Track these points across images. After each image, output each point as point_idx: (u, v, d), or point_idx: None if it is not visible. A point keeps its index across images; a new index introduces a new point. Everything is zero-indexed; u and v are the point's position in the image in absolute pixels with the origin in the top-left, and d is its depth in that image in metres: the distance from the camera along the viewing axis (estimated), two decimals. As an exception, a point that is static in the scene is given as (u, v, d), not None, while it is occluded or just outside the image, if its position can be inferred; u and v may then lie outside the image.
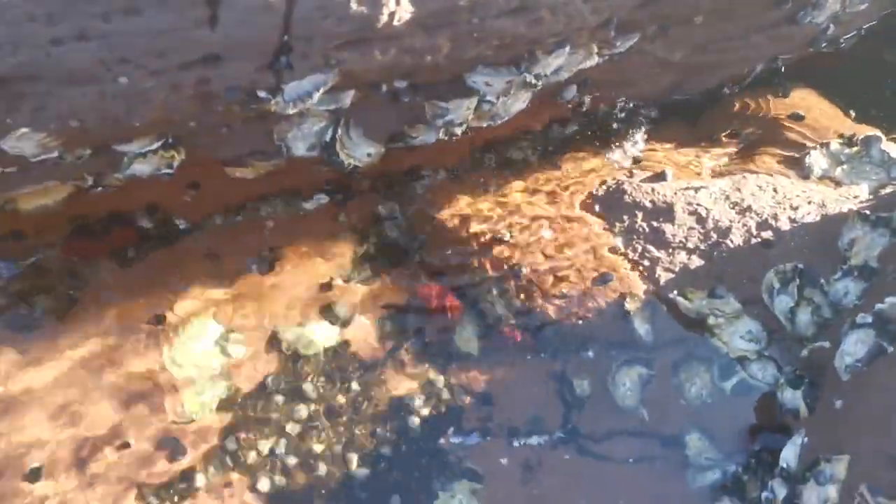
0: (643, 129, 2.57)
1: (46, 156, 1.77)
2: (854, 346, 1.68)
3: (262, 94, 1.75)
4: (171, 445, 1.94)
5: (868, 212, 2.00)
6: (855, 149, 2.36)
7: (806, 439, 1.70)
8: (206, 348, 2.07)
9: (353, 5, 1.60)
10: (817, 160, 2.34)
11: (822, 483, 1.53)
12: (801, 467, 1.65)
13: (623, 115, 2.56)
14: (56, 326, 2.03)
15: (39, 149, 1.74)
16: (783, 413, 1.87)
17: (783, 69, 2.60)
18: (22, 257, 2.11)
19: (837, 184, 2.29)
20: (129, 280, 2.14)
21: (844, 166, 2.32)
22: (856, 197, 2.20)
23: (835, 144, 2.38)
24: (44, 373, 1.97)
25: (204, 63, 1.64)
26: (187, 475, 1.89)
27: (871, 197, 2.20)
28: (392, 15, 1.64)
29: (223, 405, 1.99)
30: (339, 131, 2.05)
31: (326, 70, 1.75)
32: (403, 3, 1.64)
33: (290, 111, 1.83)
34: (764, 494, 1.72)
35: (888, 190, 2.18)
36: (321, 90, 1.78)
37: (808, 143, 2.43)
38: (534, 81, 2.03)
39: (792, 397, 1.84)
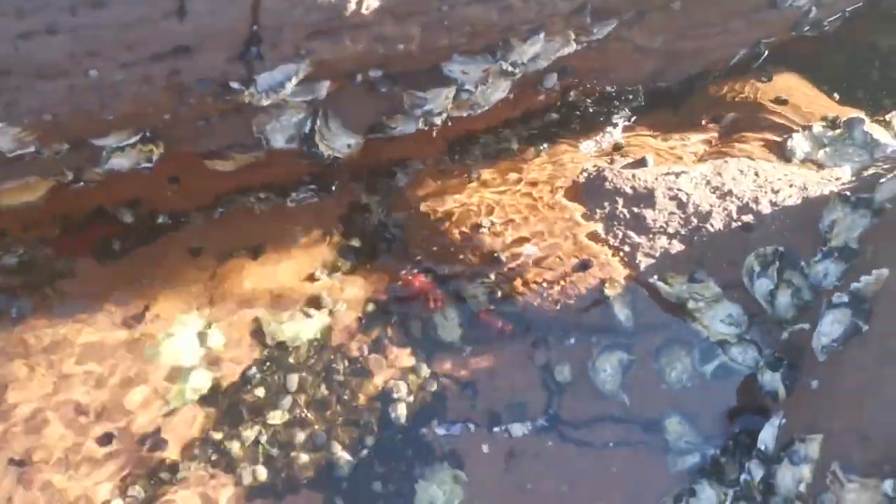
0: (625, 115, 2.56)
1: (23, 150, 1.78)
2: (830, 327, 1.68)
3: (234, 85, 1.76)
4: (154, 437, 1.95)
5: (849, 193, 1.98)
6: (838, 131, 2.34)
7: (783, 420, 1.70)
8: (189, 341, 2.09)
9: (322, -6, 1.60)
10: (799, 143, 2.32)
11: (796, 463, 1.53)
12: (777, 448, 1.65)
13: (605, 102, 2.55)
14: (40, 321, 2.05)
15: (16, 143, 1.75)
16: (763, 396, 1.87)
17: (766, 53, 2.58)
18: (5, 253, 2.13)
19: (820, 166, 2.27)
20: (113, 274, 2.16)
21: (827, 149, 2.30)
22: (838, 179, 2.18)
23: (817, 127, 2.36)
24: (28, 366, 1.99)
25: (174, 55, 1.65)
26: (170, 467, 1.91)
27: (853, 179, 2.18)
28: (360, 3, 1.64)
29: (206, 397, 2.01)
30: (318, 122, 2.06)
31: (298, 60, 1.75)
32: (372, -10, 1.65)
33: (265, 102, 1.83)
34: (742, 476, 1.72)
35: (870, 171, 2.16)
36: (293, 80, 1.79)
37: (792, 127, 2.42)
38: (510, 69, 2.03)
39: (771, 379, 1.84)
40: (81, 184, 2.05)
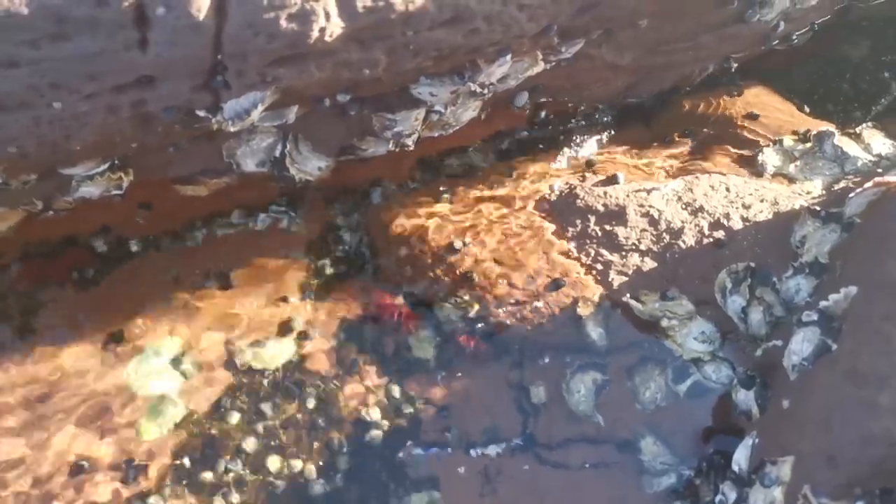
0: (596, 132, 2.57)
1: (-10, 183, 1.78)
2: (800, 345, 1.67)
3: (201, 113, 1.76)
4: (127, 466, 1.93)
5: (819, 208, 1.99)
6: (808, 145, 2.35)
7: (757, 441, 1.68)
8: (162, 368, 2.07)
9: (283, 22, 1.61)
10: (770, 157, 2.33)
11: (768, 485, 1.51)
12: (750, 470, 1.64)
13: (576, 119, 2.56)
14: (13, 351, 2.04)
15: (-18, 176, 1.75)
16: (737, 414, 1.85)
17: (735, 68, 2.59)
18: (-23, 283, 2.13)
19: (791, 180, 2.27)
20: (85, 302, 2.14)
21: (798, 163, 2.31)
22: (808, 193, 2.19)
23: (788, 141, 2.37)
24: (2, 397, 1.97)
25: (138, 85, 1.65)
26: (144, 496, 1.88)
27: (823, 193, 2.18)
28: (323, 30, 1.65)
29: (180, 424, 1.99)
30: (288, 146, 2.06)
31: (263, 87, 1.75)
32: (333, 18, 1.65)
33: (232, 129, 1.83)
34: (717, 498, 1.70)
35: (841, 185, 2.16)
36: (260, 107, 1.79)
37: (762, 141, 2.43)
38: (479, 90, 2.03)
39: (745, 398, 1.83)
40: (52, 213, 2.05)
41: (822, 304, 1.67)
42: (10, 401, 1.96)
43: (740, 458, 1.68)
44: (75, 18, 1.48)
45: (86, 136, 1.73)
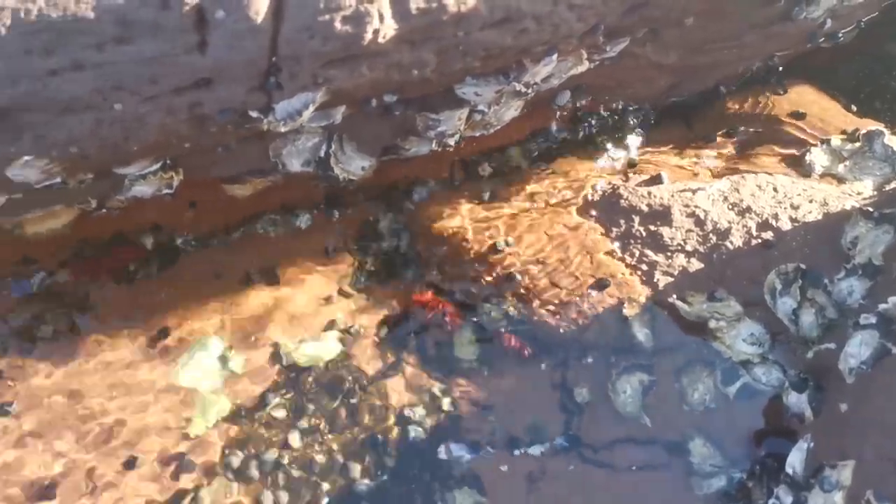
0: (639, 131, 2.55)
1: (50, 181, 1.83)
2: (858, 348, 1.64)
3: (253, 114, 1.79)
4: (175, 462, 1.97)
5: (871, 208, 1.95)
6: (857, 144, 2.30)
7: (812, 444, 1.66)
8: (208, 364, 2.11)
9: (338, 25, 1.63)
10: (818, 157, 2.29)
11: (828, 490, 1.49)
12: (806, 473, 1.62)
13: (618, 118, 2.54)
14: (65, 346, 2.09)
15: (43, 175, 1.80)
16: (789, 417, 1.83)
17: (780, 66, 2.55)
18: (32, 279, 2.17)
19: (840, 181, 2.23)
20: (134, 299, 2.19)
21: (847, 162, 2.27)
22: (859, 193, 2.15)
23: (836, 140, 2.33)
24: (55, 392, 2.02)
25: (196, 87, 1.68)
26: (192, 491, 1.92)
27: (874, 193, 2.14)
28: (377, 32, 1.66)
29: (226, 420, 2.02)
30: (333, 146, 2.08)
31: (315, 88, 1.78)
32: (387, 20, 1.66)
33: (283, 129, 1.86)
34: (770, 502, 1.68)
35: (893, 185, 2.12)
36: (311, 108, 1.81)
37: (809, 140, 2.39)
38: (523, 90, 2.04)
39: (797, 401, 1.81)
40: (105, 211, 2.10)
41: (882, 306, 1.64)
42: (61, 395, 2.01)
43: (795, 461, 1.66)
44: (139, 22, 1.52)
45: (144, 136, 1.77)
